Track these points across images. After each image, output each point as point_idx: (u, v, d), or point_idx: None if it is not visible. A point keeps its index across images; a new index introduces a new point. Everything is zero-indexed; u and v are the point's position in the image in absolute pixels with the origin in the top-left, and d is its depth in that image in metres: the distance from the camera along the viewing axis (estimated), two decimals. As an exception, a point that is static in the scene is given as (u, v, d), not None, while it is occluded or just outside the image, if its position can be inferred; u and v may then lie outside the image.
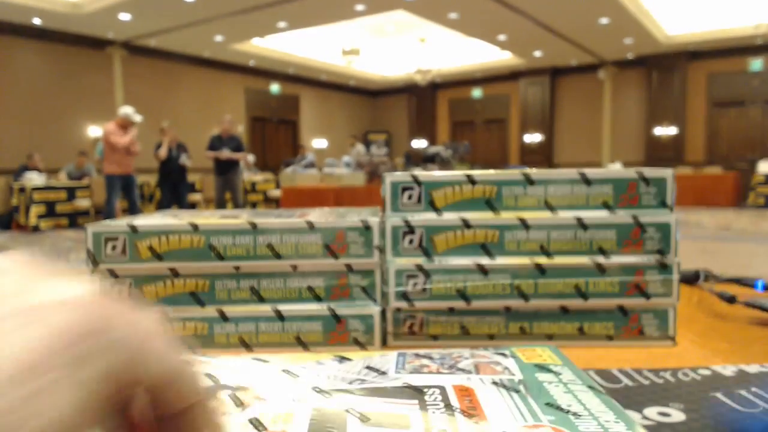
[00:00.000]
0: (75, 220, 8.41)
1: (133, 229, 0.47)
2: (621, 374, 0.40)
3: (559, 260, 0.48)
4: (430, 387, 0.28)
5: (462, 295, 0.49)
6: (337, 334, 0.48)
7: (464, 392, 0.28)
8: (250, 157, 11.78)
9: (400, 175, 0.50)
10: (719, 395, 0.35)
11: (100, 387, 0.13)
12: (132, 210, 6.58)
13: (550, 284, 0.48)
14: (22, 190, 8.05)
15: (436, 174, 0.50)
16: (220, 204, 7.27)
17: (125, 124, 6.20)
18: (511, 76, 14.84)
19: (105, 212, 6.37)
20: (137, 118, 6.26)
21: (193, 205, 9.66)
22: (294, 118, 15.43)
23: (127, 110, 6.25)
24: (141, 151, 6.54)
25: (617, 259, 0.48)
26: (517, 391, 0.28)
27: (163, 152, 6.90)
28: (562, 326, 0.49)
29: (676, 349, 0.48)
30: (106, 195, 6.42)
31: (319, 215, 0.51)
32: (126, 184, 6.41)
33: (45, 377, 0.12)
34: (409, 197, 0.50)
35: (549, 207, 0.49)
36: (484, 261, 0.49)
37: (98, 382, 0.13)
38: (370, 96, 17.69)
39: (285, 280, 0.48)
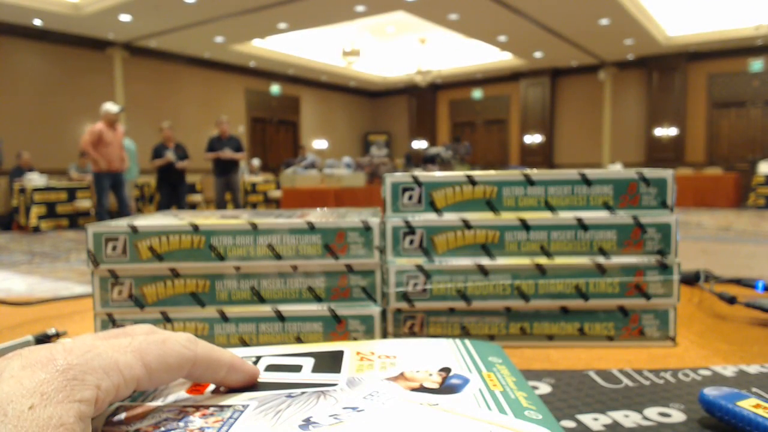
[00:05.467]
0: (75, 220, 8.42)
1: (134, 229, 0.47)
2: (621, 374, 0.40)
3: (560, 261, 0.48)
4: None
5: (462, 295, 0.49)
6: (337, 334, 0.48)
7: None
8: (255, 161, 11.82)
9: (401, 176, 0.50)
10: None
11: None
12: (121, 209, 6.48)
13: (550, 285, 0.48)
14: (22, 190, 8.06)
15: (437, 175, 0.50)
16: (221, 205, 7.28)
17: (111, 121, 6.16)
18: (512, 77, 14.86)
19: (97, 213, 6.30)
20: (115, 108, 6.18)
21: (193, 206, 9.66)
22: (294, 119, 15.44)
23: (107, 107, 6.20)
24: (140, 152, 6.54)
25: (617, 260, 0.48)
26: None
27: (168, 158, 6.86)
28: (562, 326, 0.49)
29: (677, 349, 0.48)
30: (96, 195, 6.35)
31: (319, 216, 0.51)
32: (115, 182, 6.31)
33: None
34: (410, 198, 0.50)
35: (549, 207, 0.49)
36: (485, 261, 0.49)
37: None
38: (370, 97, 17.70)
39: (285, 281, 0.48)
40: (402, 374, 0.29)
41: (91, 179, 8.84)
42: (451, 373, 0.29)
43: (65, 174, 9.65)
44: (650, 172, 0.49)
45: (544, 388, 0.38)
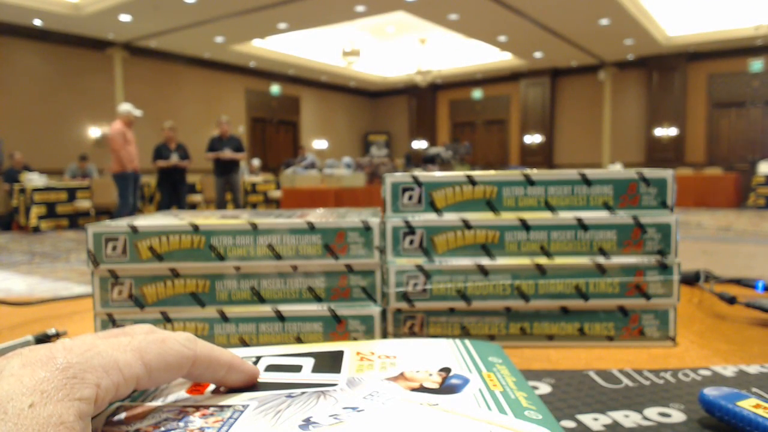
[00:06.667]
0: (75, 221, 8.42)
1: (134, 229, 0.47)
2: (621, 375, 0.40)
3: (560, 261, 0.48)
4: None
5: (462, 295, 0.49)
6: (337, 334, 0.48)
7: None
8: (255, 162, 11.81)
9: (401, 176, 0.50)
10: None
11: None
12: (133, 209, 6.62)
13: (550, 285, 0.48)
14: (22, 191, 8.06)
15: (437, 175, 0.50)
16: (221, 204, 7.28)
17: (130, 122, 6.31)
18: (512, 77, 14.86)
19: (119, 211, 6.40)
20: (137, 112, 6.38)
21: (193, 206, 9.66)
22: (294, 119, 15.44)
23: (127, 107, 6.32)
24: (141, 152, 6.62)
25: (617, 260, 0.48)
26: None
27: (173, 161, 6.91)
28: (562, 327, 0.49)
29: (677, 349, 0.48)
30: (120, 193, 6.45)
31: (319, 216, 0.51)
32: (135, 181, 6.51)
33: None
34: (410, 198, 0.50)
35: (549, 207, 0.49)
36: (485, 261, 0.49)
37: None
38: (370, 97, 17.71)
39: (285, 281, 0.48)
40: (402, 374, 0.29)
41: (91, 181, 8.87)
42: (451, 373, 0.29)
43: (64, 174, 9.65)
44: (650, 172, 0.49)
45: (544, 388, 0.38)
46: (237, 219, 0.49)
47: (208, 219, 0.49)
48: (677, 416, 0.33)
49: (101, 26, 10.11)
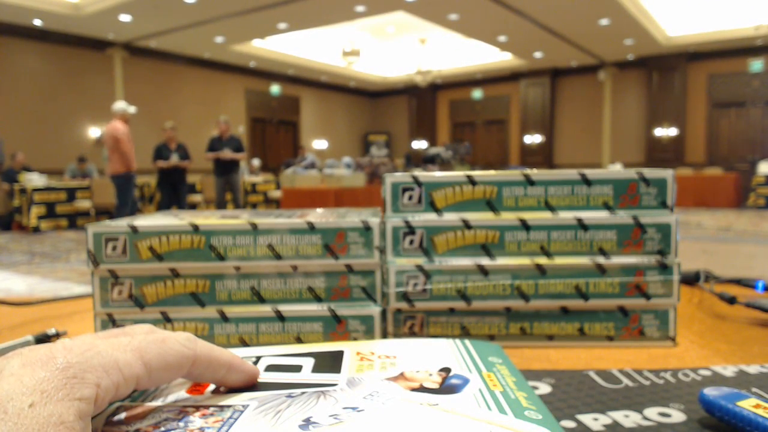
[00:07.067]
0: (75, 221, 8.43)
1: (134, 229, 0.47)
2: (621, 375, 0.40)
3: (560, 261, 0.48)
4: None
5: (462, 295, 0.49)
6: (337, 334, 0.48)
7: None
8: (255, 162, 11.81)
9: (401, 176, 0.50)
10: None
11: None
12: (132, 208, 6.63)
13: (550, 285, 0.48)
14: (23, 191, 8.06)
15: (437, 175, 0.50)
16: (221, 204, 7.28)
17: (126, 119, 6.32)
18: (512, 77, 14.86)
19: (119, 213, 6.39)
20: (131, 109, 6.39)
21: (193, 206, 9.66)
22: (294, 119, 15.44)
23: (123, 105, 6.32)
24: (140, 152, 6.62)
25: (617, 260, 0.48)
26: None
27: (173, 162, 6.91)
28: (562, 327, 0.49)
29: (677, 349, 0.48)
30: (123, 194, 6.43)
31: (319, 216, 0.51)
32: (134, 181, 6.54)
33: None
34: (410, 198, 0.50)
35: (549, 208, 0.49)
36: (485, 261, 0.49)
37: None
38: (370, 97, 17.70)
39: (285, 281, 0.48)
40: (402, 374, 0.29)
41: (91, 181, 8.87)
42: (451, 373, 0.29)
43: (64, 174, 9.65)
44: (650, 172, 0.49)
45: (544, 388, 0.38)
46: (237, 219, 0.49)
47: (208, 219, 0.49)
48: (677, 416, 0.33)
49: (101, 26, 10.11)
